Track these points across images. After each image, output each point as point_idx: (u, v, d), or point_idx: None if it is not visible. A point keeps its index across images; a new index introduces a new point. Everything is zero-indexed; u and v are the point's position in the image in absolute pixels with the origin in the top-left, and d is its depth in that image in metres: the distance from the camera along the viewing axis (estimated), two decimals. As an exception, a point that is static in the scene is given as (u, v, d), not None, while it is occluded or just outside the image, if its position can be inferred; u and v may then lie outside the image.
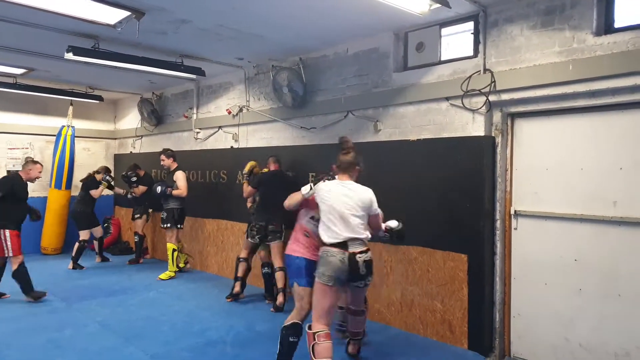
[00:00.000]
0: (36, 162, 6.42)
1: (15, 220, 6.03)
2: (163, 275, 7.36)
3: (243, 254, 6.19)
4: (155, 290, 6.74)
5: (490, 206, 4.56)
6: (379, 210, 4.02)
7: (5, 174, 8.54)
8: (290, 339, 3.94)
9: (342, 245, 3.77)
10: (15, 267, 6.00)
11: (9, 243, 5.90)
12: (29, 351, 4.54)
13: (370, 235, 3.96)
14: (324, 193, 3.91)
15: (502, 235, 4.58)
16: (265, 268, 6.22)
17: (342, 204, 3.81)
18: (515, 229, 4.54)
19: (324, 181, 4.03)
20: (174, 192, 7.22)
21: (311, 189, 4.03)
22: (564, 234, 4.21)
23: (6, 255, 5.96)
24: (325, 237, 3.83)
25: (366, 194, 3.90)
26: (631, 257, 3.84)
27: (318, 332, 3.71)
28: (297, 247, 4.16)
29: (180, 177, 7.31)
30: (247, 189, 6.22)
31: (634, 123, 3.82)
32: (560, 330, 4.22)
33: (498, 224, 4.57)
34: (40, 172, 6.41)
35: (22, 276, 6.04)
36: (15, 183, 6.11)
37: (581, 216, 4.09)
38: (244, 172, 6.47)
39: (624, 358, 3.87)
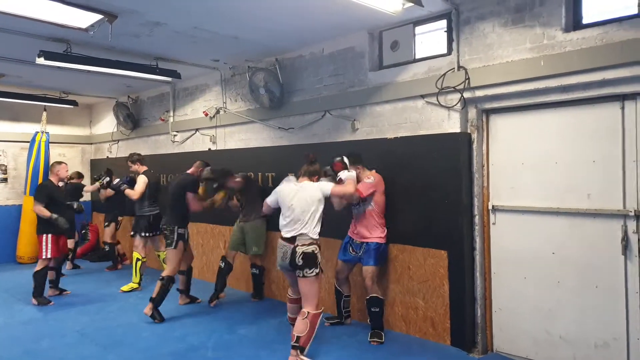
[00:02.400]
0: (60, 162, 6.76)
1: (55, 225, 6.34)
2: (125, 287, 6.98)
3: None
4: (135, 297, 6.64)
5: (468, 202, 4.59)
6: (328, 191, 4.38)
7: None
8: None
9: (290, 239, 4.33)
10: (39, 268, 6.30)
11: (49, 246, 6.28)
12: (5, 364, 4.45)
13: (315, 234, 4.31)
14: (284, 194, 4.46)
15: (480, 230, 4.62)
16: (254, 269, 6.29)
17: (296, 202, 4.34)
18: (494, 223, 4.59)
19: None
20: (126, 190, 6.90)
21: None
22: (541, 228, 4.26)
23: (44, 257, 6.28)
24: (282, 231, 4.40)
25: (312, 189, 4.36)
26: (607, 249, 3.90)
27: None
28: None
29: (139, 182, 6.99)
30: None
31: (604, 117, 3.88)
32: (541, 323, 4.27)
33: (476, 219, 4.61)
34: (67, 170, 6.80)
35: (40, 279, 6.32)
36: (51, 190, 6.44)
37: (557, 209, 4.14)
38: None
39: (603, 349, 3.93)
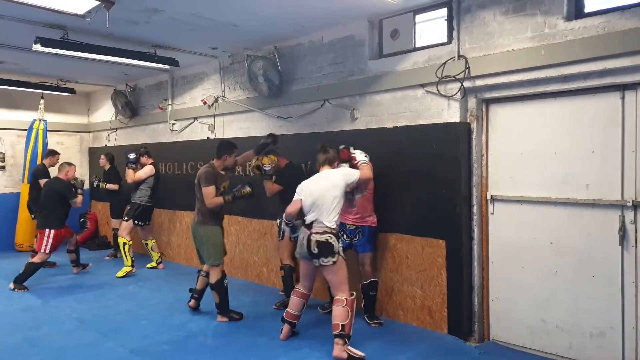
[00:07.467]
0: (71, 164, 6.96)
1: (62, 220, 6.66)
2: (120, 273, 7.11)
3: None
4: (134, 284, 6.66)
5: (467, 192, 4.59)
6: (355, 177, 4.48)
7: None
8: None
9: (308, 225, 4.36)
10: (37, 260, 6.46)
11: (50, 241, 6.46)
12: (3, 351, 4.44)
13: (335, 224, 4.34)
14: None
15: (479, 220, 4.62)
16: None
17: (317, 189, 4.38)
18: (492, 213, 4.59)
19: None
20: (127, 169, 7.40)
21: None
22: (539, 218, 4.27)
23: (42, 251, 6.45)
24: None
25: (335, 177, 4.43)
26: (604, 239, 3.91)
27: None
28: None
29: (145, 169, 7.44)
30: (272, 187, 5.44)
31: (604, 107, 3.87)
32: (537, 312, 4.30)
33: (475, 209, 4.61)
34: (75, 172, 6.98)
35: (33, 269, 6.44)
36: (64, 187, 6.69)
37: (556, 200, 4.15)
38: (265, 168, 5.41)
39: (599, 338, 3.96)
